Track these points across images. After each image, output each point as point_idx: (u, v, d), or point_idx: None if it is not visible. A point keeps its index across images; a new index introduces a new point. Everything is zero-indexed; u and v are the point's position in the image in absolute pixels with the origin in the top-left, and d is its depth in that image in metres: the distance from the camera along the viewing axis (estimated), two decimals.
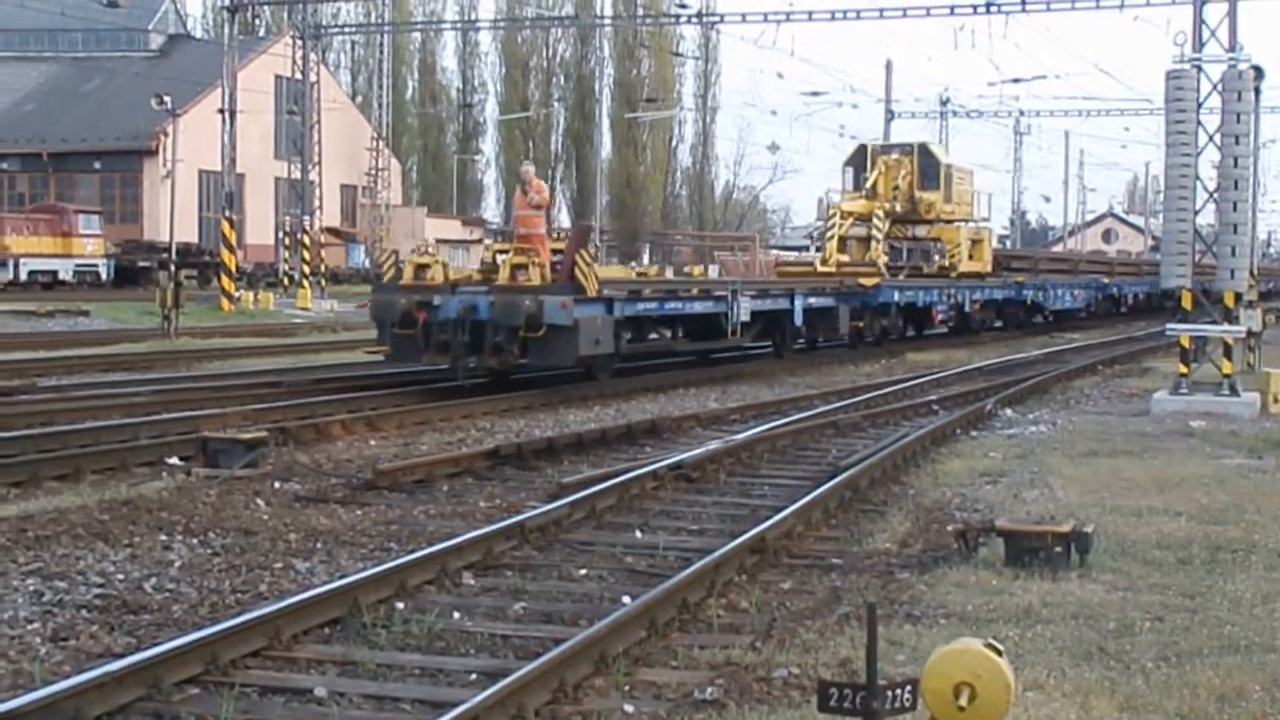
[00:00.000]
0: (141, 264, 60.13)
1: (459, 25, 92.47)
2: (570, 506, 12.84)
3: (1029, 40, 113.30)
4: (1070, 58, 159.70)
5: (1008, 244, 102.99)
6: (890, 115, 69.86)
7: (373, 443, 17.94)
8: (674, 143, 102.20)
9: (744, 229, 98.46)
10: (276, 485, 14.64)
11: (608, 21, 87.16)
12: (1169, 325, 24.27)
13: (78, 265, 57.88)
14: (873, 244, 38.82)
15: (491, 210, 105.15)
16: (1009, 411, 22.10)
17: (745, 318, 27.61)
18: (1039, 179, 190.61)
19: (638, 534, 12.47)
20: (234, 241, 50.25)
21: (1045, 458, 16.84)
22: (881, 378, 28.13)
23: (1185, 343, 23.22)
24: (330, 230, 63.82)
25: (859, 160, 42.22)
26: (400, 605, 9.75)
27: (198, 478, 14.86)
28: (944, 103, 79.71)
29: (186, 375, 25.87)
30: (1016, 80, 72.24)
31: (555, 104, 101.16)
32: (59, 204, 60.68)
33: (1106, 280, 56.84)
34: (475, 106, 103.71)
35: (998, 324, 45.09)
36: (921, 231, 43.55)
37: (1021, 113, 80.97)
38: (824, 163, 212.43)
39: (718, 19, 67.41)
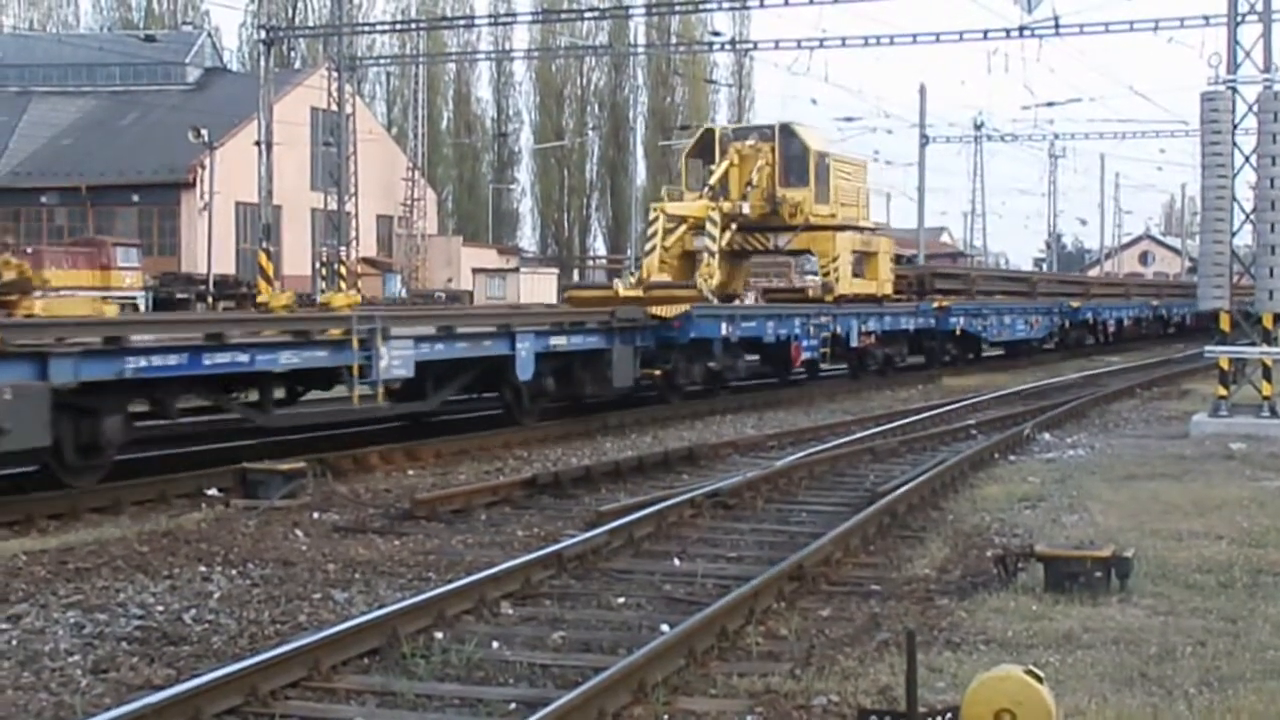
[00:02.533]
0: (179, 296, 60.36)
1: (493, 55, 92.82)
2: (608, 535, 12.83)
3: (1063, 63, 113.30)
4: (1105, 80, 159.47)
5: (1043, 267, 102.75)
6: (924, 140, 69.78)
7: (410, 473, 17.98)
8: None
9: None
10: (315, 516, 14.69)
11: (641, 49, 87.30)
12: (1208, 347, 24.14)
13: (116, 298, 58.17)
14: (705, 258, 29.88)
15: (527, 239, 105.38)
16: (1047, 435, 22.01)
17: (400, 371, 18.34)
18: (1075, 202, 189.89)
19: (676, 562, 12.45)
20: (271, 273, 50.47)
21: (1084, 482, 16.75)
22: (919, 403, 28.05)
23: (1224, 365, 23.08)
24: (367, 260, 63.91)
25: (705, 148, 33.02)
26: (439, 635, 9.75)
27: (236, 509, 14.92)
28: (978, 126, 79.69)
29: None
30: (1051, 104, 71.95)
31: (590, 132, 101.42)
32: (97, 237, 60.94)
33: (1075, 305, 47.80)
34: (510, 135, 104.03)
35: (915, 359, 37.18)
36: (786, 241, 33.26)
37: (1056, 136, 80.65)
38: None
39: (751, 45, 67.28)
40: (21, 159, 68.49)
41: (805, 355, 29.35)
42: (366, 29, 73.23)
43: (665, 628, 9.81)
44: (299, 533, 13.80)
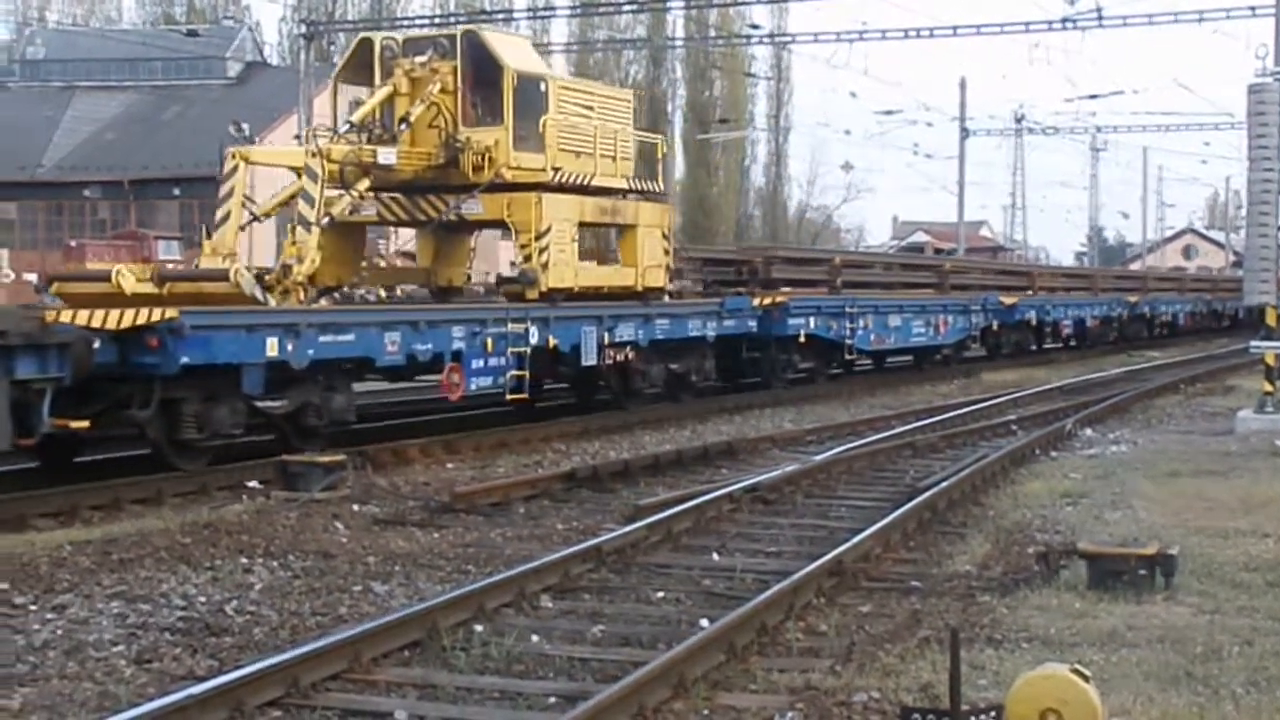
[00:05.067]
0: None
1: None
2: (647, 529, 12.82)
3: (1106, 55, 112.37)
4: (1148, 72, 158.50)
5: (1085, 261, 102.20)
6: (965, 133, 69.51)
7: (450, 466, 18.01)
8: (747, 163, 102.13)
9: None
10: (355, 508, 14.73)
11: (680, 43, 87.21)
12: (1253, 343, 23.95)
13: None
14: (299, 232, 19.12)
15: None
16: (1089, 431, 21.89)
17: None
18: (1117, 196, 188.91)
19: (715, 556, 12.43)
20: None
21: (1127, 478, 16.64)
22: (959, 398, 27.94)
23: (1270, 360, 22.89)
24: (404, 254, 64.16)
25: (362, 67, 22.04)
26: (479, 628, 9.76)
27: (277, 501, 14.97)
28: (1019, 119, 79.29)
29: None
30: (1093, 96, 71.77)
31: None
32: (139, 230, 61.35)
33: (1006, 304, 38.19)
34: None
35: (710, 382, 26.58)
36: (460, 206, 21.64)
37: (1099, 129, 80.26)
38: (898, 181, 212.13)
39: (790, 39, 67.19)
40: (65, 153, 68.81)
41: (474, 382, 19.62)
42: (406, 22, 73.35)
43: (705, 623, 9.80)
44: (339, 525, 13.84)
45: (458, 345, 19.32)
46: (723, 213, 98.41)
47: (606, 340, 22.14)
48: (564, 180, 22.06)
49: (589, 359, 21.85)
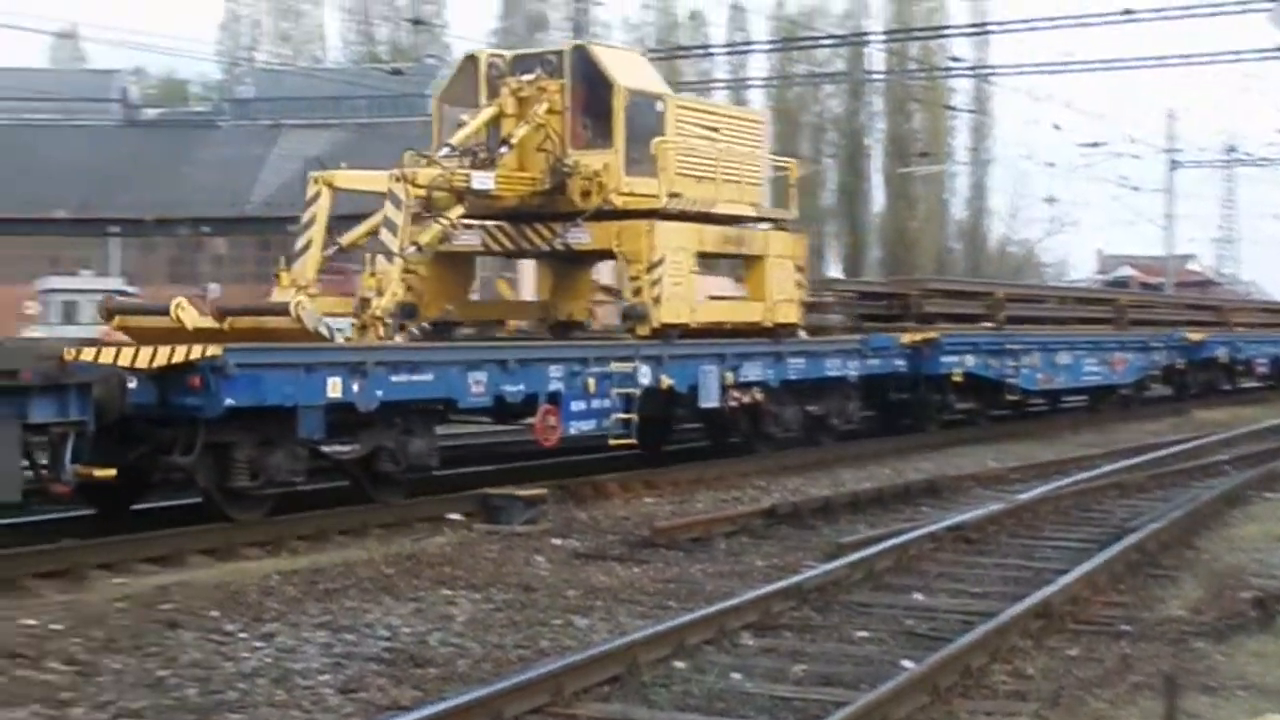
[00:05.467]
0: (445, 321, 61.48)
1: (731, 84, 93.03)
2: (849, 567, 12.69)
3: None
4: None
5: None
6: (1173, 165, 68.03)
7: (648, 500, 18.04)
8: (947, 196, 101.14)
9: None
10: (555, 542, 14.82)
11: (879, 76, 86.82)
12: None
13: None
14: (380, 262, 17.64)
15: None
16: None
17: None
18: None
19: (917, 596, 12.25)
20: (516, 295, 51.08)
21: None
22: (1169, 435, 27.28)
23: None
24: (604, 289, 64.07)
25: (467, 88, 20.58)
26: (679, 664, 9.72)
27: (478, 533, 15.13)
28: (1230, 150, 77.37)
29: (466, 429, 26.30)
30: None
31: (826, 159, 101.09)
32: (346, 265, 62.59)
33: (1193, 340, 35.78)
34: (818, 169, 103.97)
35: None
36: (569, 235, 19.98)
37: None
38: (1103, 214, 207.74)
39: (991, 71, 66.58)
40: (273, 190, 70.54)
41: (573, 426, 18.12)
42: None
43: (908, 663, 9.65)
44: (540, 558, 13.94)
45: (554, 386, 17.76)
46: (923, 246, 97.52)
47: (730, 380, 20.41)
48: (681, 207, 20.22)
49: (709, 400, 20.16)
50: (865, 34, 72.46)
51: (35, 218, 59.44)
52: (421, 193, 18.01)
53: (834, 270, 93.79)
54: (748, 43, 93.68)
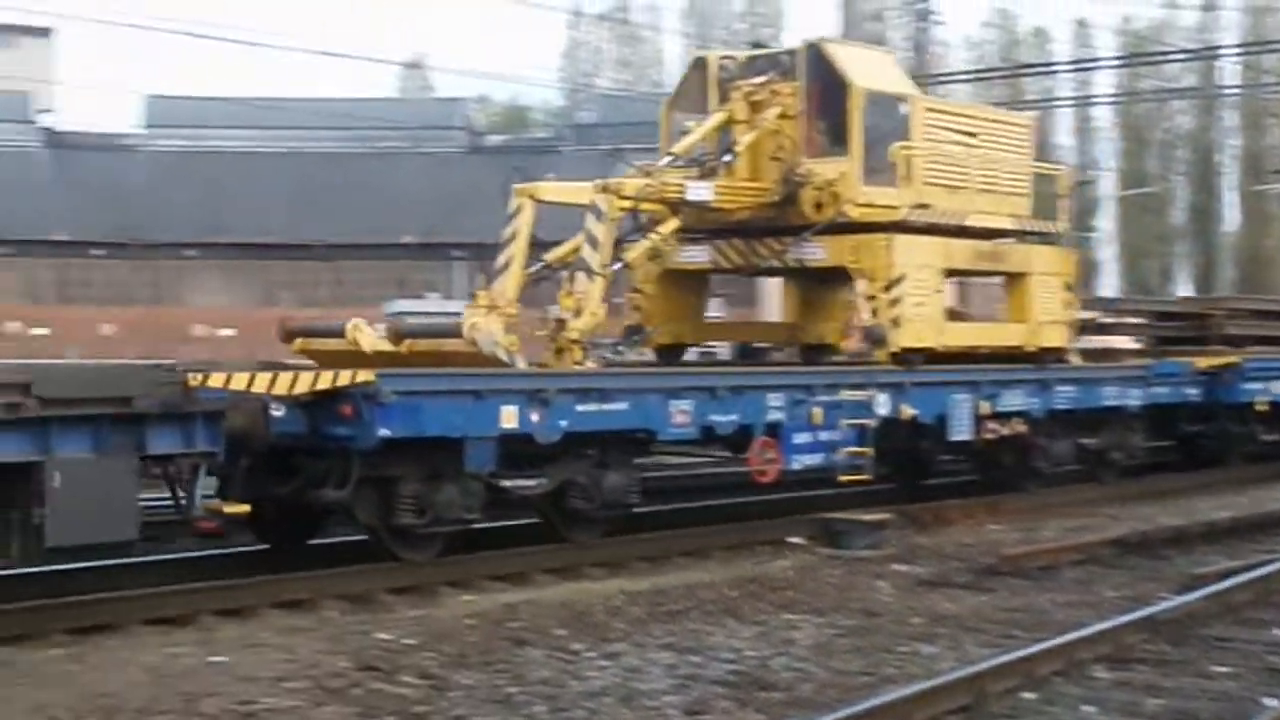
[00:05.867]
0: (759, 345, 61.72)
1: (1076, 102, 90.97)
2: (1205, 599, 12.19)
3: None
4: None
5: None
6: None
7: (991, 528, 17.67)
8: None
9: None
10: (899, 568, 14.64)
11: (1233, 91, 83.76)
12: None
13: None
14: (579, 280, 16.11)
15: (1113, 288, 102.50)
16: None
17: None
18: None
19: (1277, 632, 11.68)
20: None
21: None
22: None
23: None
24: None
25: (695, 93, 19.16)
26: (1028, 695, 9.46)
27: (820, 558, 15.06)
28: None
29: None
30: None
31: (1176, 176, 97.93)
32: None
33: None
34: (1091, 183, 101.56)
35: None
36: (816, 254, 18.25)
37: None
38: None
39: None
40: None
41: (797, 460, 16.27)
42: (945, 78, 73.20)
43: (1271, 701, 9.22)
44: (883, 584, 13.78)
45: (775, 416, 16.09)
46: (1278, 265, 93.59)
47: (986, 410, 18.45)
48: (927, 219, 18.33)
49: (960, 432, 18.19)
50: (1218, 47, 69.94)
51: (384, 243, 61.76)
52: (627, 205, 16.58)
53: (1183, 291, 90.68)
54: (1093, 59, 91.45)
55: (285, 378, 12.86)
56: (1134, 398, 20.91)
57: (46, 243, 63.13)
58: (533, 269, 16.82)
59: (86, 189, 64.71)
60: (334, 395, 12.89)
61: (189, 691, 9.46)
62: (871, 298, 17.68)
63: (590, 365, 15.62)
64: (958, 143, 18.92)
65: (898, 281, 17.66)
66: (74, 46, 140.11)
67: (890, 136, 17.93)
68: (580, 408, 14.44)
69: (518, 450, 14.10)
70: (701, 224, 18.18)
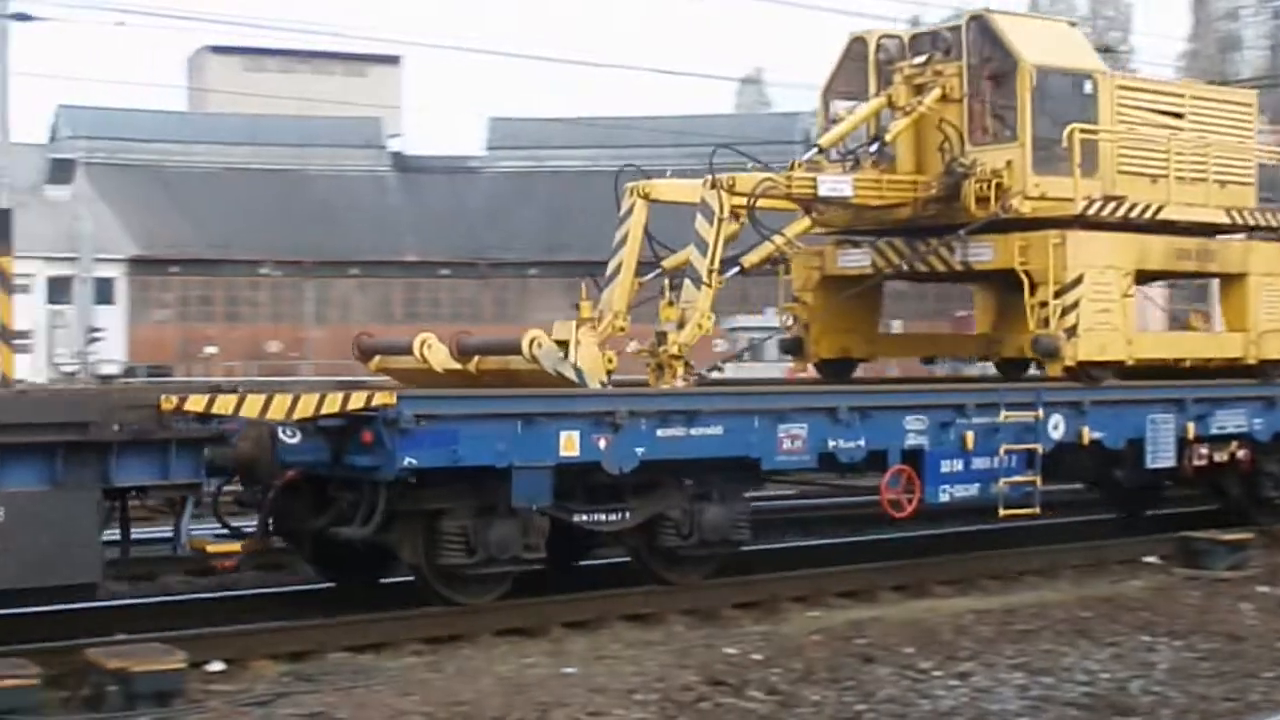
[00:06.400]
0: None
1: None
2: None
3: None
4: None
5: None
6: None
7: None
8: None
9: None
10: (1263, 590, 14.04)
11: None
12: None
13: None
14: (686, 289, 14.50)
15: None
16: None
17: None
18: None
19: None
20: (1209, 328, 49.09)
21: None
22: None
23: None
24: None
25: (855, 74, 16.91)
26: None
27: (1178, 578, 14.54)
28: None
29: None
30: None
31: None
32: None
33: None
34: None
35: None
36: (984, 255, 16.04)
37: None
38: None
39: None
40: None
41: (944, 492, 14.21)
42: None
43: None
44: (1246, 606, 13.22)
45: (915, 441, 14.06)
46: None
47: (1192, 433, 15.89)
48: (1111, 212, 15.82)
49: (1161, 459, 15.67)
50: None
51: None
52: (741, 203, 14.58)
53: None
54: None
55: (281, 400, 11.24)
56: None
57: (397, 264, 65.61)
58: (648, 277, 15.05)
59: (432, 211, 67.09)
60: (357, 420, 11.50)
61: (541, 701, 9.64)
62: (1042, 304, 15.28)
63: (678, 384, 13.83)
64: (1161, 125, 16.62)
65: (1073, 285, 15.29)
66: (420, 73, 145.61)
67: (1071, 119, 15.55)
68: (662, 433, 12.68)
69: (596, 481, 12.55)
70: (862, 224, 16.47)
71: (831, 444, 13.58)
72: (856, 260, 16.74)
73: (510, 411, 12.02)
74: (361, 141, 70.16)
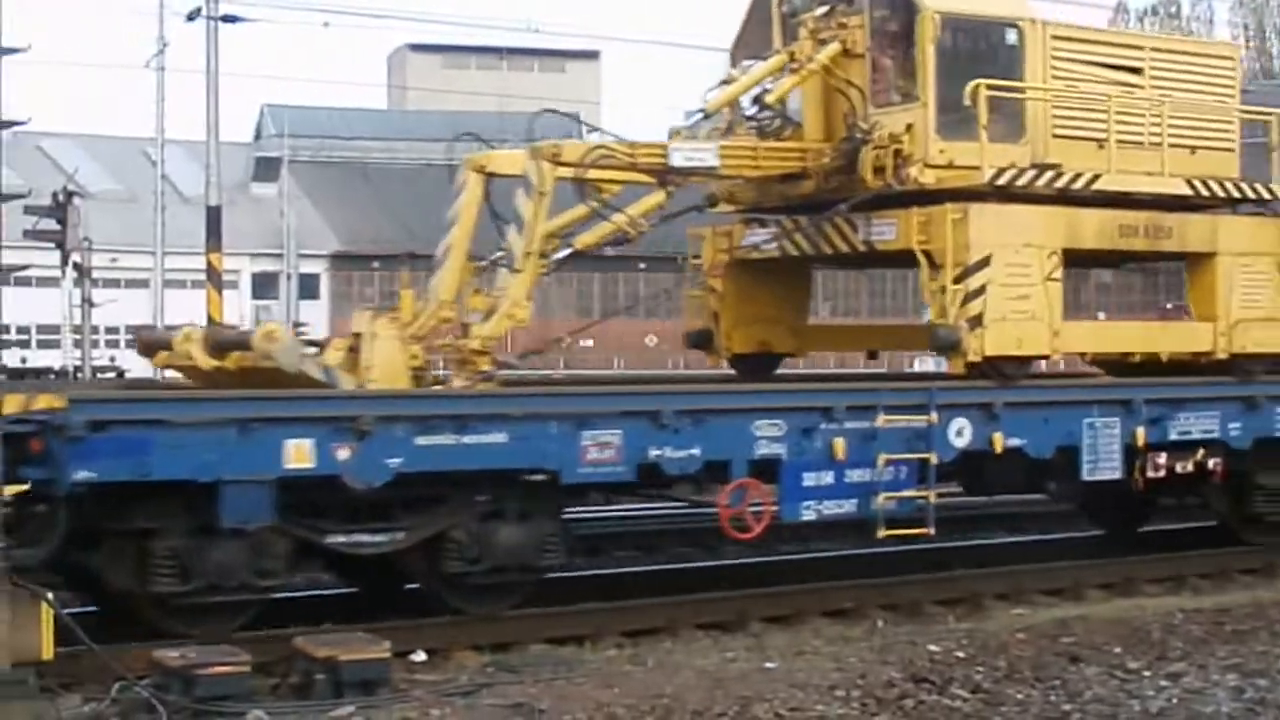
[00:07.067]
0: None
1: None
2: None
3: None
4: None
5: None
6: None
7: None
8: None
9: None
10: None
11: None
12: None
13: None
14: (500, 277, 12.78)
15: None
16: None
17: None
18: None
19: None
20: None
21: None
22: None
23: None
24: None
25: (760, 33, 14.73)
26: None
27: None
28: None
29: None
30: None
31: None
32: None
33: None
34: None
35: None
36: (885, 234, 13.57)
37: None
38: None
39: None
40: None
41: (806, 509, 12.24)
42: None
43: None
44: None
45: (769, 450, 12.03)
46: None
47: (1143, 439, 13.64)
48: (1035, 182, 13.50)
49: (1102, 469, 13.48)
50: None
51: None
52: (567, 174, 12.67)
53: None
54: None
55: None
56: None
57: (594, 257, 66.01)
58: (489, 259, 13.00)
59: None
60: (26, 427, 9.70)
61: (743, 696, 9.60)
62: (939, 290, 13.08)
63: (479, 383, 12.02)
64: (1112, 81, 14.26)
65: (978, 266, 12.98)
66: (619, 67, 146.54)
67: (990, 75, 13.29)
68: (423, 441, 10.81)
69: (358, 497, 10.79)
70: (769, 200, 14.44)
71: (654, 453, 11.58)
72: (762, 240, 14.63)
73: (220, 417, 10.29)
74: (560, 137, 70.75)
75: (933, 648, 11.17)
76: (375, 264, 64.26)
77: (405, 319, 12.18)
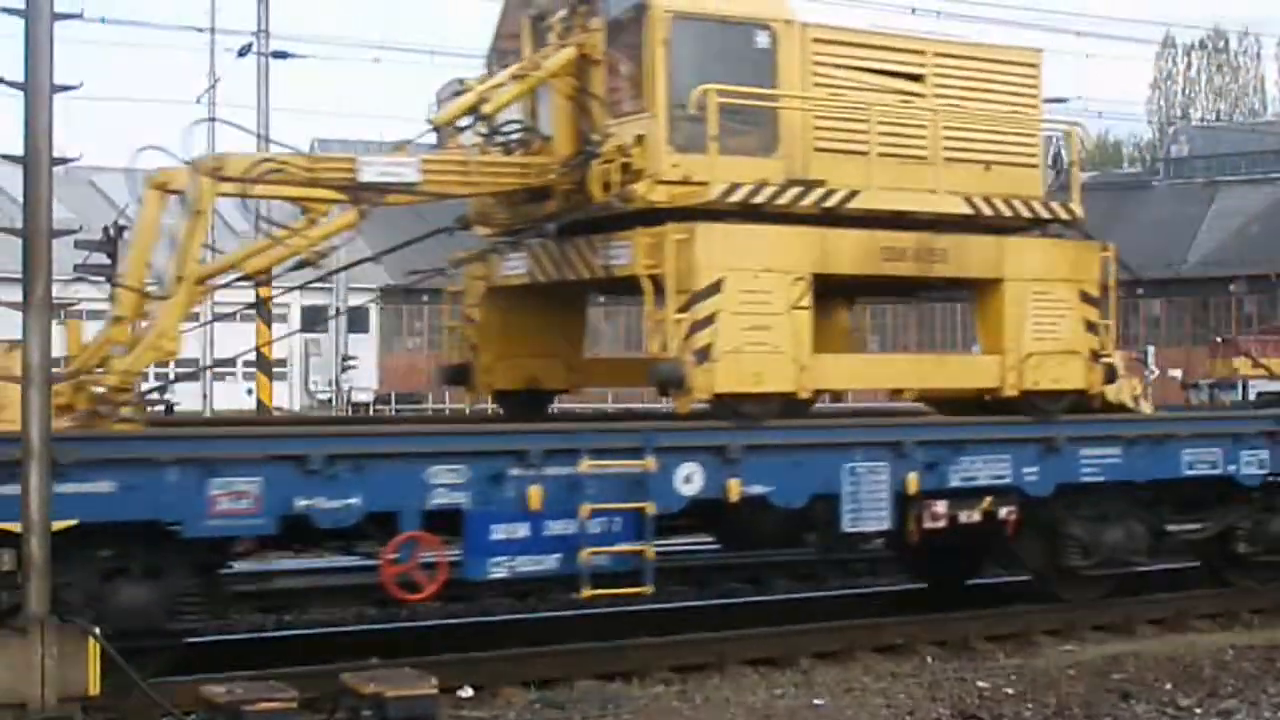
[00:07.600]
0: None
1: None
2: None
3: None
4: None
5: None
6: None
7: None
8: None
9: None
10: None
11: None
12: None
13: None
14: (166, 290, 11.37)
15: None
16: None
17: None
18: None
19: None
20: None
21: None
22: None
23: None
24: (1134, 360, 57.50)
25: (514, 36, 13.63)
26: None
27: None
28: None
29: None
30: None
31: None
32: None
33: None
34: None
35: None
36: (619, 259, 12.31)
37: None
38: None
39: None
40: (1209, 249, 69.32)
41: (492, 566, 11.04)
42: None
43: None
44: None
45: (447, 499, 10.81)
46: None
47: (916, 486, 12.37)
48: (778, 199, 12.21)
49: (865, 521, 12.20)
50: None
51: None
52: (231, 190, 11.44)
53: None
54: None
55: None
56: (1249, 465, 14.00)
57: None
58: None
59: None
60: None
61: None
62: (660, 320, 11.76)
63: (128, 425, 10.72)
64: (888, 90, 12.96)
65: (707, 293, 11.70)
66: None
67: (736, 82, 12.05)
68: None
69: None
70: (518, 221, 13.15)
71: (302, 503, 10.33)
72: (515, 267, 13.42)
73: None
74: None
75: (982, 684, 11.14)
76: (424, 297, 64.52)
77: (72, 352, 11.17)
